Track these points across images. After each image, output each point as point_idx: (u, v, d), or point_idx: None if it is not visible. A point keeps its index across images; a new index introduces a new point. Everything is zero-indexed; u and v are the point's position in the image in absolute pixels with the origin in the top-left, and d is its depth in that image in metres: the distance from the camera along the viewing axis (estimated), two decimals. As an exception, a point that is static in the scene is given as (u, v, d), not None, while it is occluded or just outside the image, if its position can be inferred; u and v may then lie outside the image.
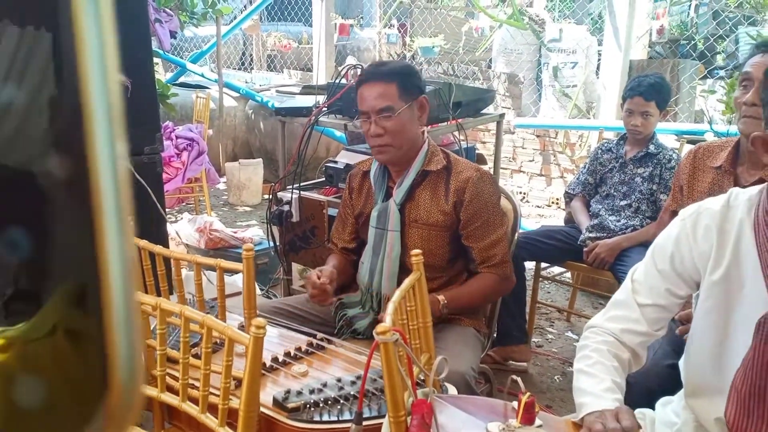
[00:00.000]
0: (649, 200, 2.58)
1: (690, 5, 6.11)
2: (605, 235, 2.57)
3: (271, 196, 2.69)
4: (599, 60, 5.36)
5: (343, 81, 2.52)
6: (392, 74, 1.82)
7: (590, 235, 2.60)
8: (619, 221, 2.58)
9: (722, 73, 5.80)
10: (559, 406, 2.47)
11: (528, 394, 1.15)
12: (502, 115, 2.96)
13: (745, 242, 1.17)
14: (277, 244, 2.72)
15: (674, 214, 1.50)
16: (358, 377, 1.49)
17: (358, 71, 2.62)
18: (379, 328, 1.02)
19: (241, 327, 1.64)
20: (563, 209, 4.00)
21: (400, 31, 8.16)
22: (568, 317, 3.26)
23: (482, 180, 1.88)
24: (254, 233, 3.68)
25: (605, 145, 2.75)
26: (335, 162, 2.62)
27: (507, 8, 6.20)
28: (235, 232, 3.56)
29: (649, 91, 2.52)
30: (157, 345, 1.28)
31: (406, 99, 1.82)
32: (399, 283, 1.29)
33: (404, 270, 1.85)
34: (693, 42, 5.86)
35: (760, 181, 1.81)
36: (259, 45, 9.12)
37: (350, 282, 2.05)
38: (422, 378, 1.26)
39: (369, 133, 1.84)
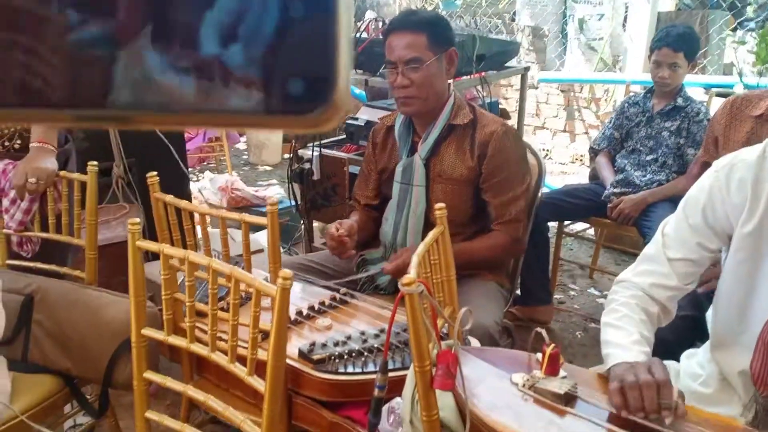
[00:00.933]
0: (676, 155, 2.53)
1: (722, -47, 5.86)
2: (630, 190, 2.53)
3: (292, 154, 2.69)
4: (626, 12, 5.20)
5: (365, 35, 2.48)
6: (422, 24, 1.77)
7: (615, 190, 2.57)
8: (644, 176, 2.54)
9: (752, 24, 5.60)
10: (580, 362, 2.48)
11: (553, 345, 1.16)
12: (527, 68, 2.90)
13: None
14: (299, 202, 2.73)
15: (706, 165, 1.47)
16: (382, 330, 1.51)
17: (380, 24, 2.58)
18: (405, 279, 1.02)
19: (266, 281, 1.66)
20: (587, 166, 3.95)
21: (420, -15, 7.97)
22: (591, 274, 3.25)
23: (507, 135, 1.85)
24: (275, 192, 3.69)
25: (632, 98, 2.69)
26: (356, 119, 2.60)
27: (531, -41, 6.00)
28: (256, 191, 3.58)
29: (677, 41, 2.44)
30: (186, 297, 1.30)
31: (435, 51, 1.77)
32: (424, 239, 1.29)
33: (429, 225, 1.84)
34: (724, -8, 5.64)
35: None
36: (276, 2, 9.00)
37: (372, 239, 2.05)
38: (445, 332, 1.27)
39: (395, 84, 1.80)
